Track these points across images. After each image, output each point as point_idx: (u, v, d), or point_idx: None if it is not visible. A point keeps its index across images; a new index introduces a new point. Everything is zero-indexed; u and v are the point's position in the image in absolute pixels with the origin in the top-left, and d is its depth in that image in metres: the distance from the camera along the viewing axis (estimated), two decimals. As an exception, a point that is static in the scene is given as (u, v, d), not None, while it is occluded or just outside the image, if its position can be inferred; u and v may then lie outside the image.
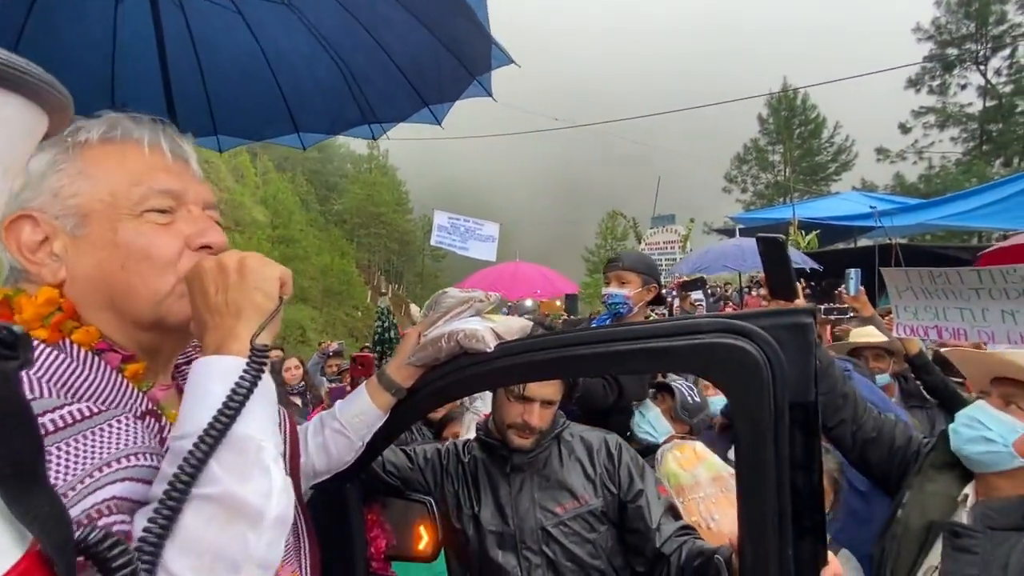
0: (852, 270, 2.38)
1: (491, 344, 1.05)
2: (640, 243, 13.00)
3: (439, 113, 2.37)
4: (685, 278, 8.99)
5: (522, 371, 1.06)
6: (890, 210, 10.70)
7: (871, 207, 10.23)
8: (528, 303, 8.07)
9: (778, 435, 0.82)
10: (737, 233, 10.59)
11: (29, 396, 0.56)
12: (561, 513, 1.35)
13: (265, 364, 0.65)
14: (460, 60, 2.09)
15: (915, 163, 25.08)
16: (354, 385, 1.37)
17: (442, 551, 1.48)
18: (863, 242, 12.57)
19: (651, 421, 2.00)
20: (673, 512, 1.37)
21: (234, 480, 0.58)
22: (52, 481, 0.50)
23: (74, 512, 0.52)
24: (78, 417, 0.58)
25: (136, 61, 2.10)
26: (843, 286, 2.41)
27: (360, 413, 1.11)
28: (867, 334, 2.84)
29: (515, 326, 1.17)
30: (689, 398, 2.02)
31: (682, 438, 1.91)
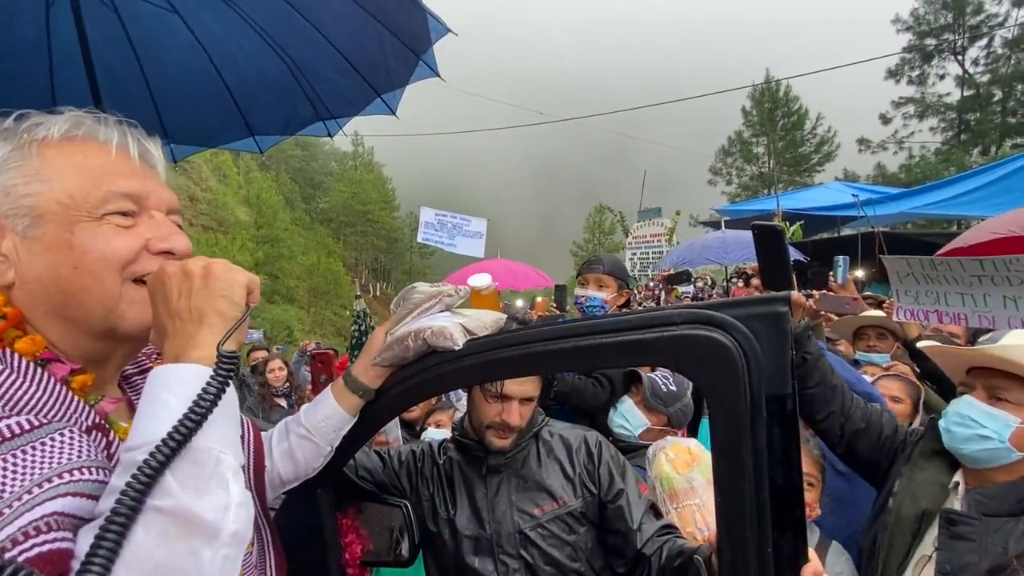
0: (841, 257, 2.37)
1: (460, 341, 1.01)
2: (627, 236, 13.02)
3: (392, 102, 2.32)
4: (671, 271, 9.01)
5: (493, 368, 1.02)
6: (872, 199, 10.82)
7: (854, 196, 10.33)
8: (519, 303, 8.03)
9: (755, 429, 0.79)
10: (723, 225, 10.64)
11: None
12: (539, 515, 1.30)
13: (233, 372, 0.61)
14: (401, 39, 2.04)
15: (896, 153, 25.43)
16: (315, 382, 1.32)
17: (419, 556, 1.44)
18: (846, 231, 12.71)
19: (624, 414, 1.91)
20: (654, 511, 1.33)
21: (189, 494, 0.54)
22: None
23: (9, 530, 0.48)
24: (16, 431, 0.55)
25: (75, 69, 2.01)
26: (831, 273, 2.40)
27: (326, 417, 1.07)
28: (874, 313, 2.86)
29: (487, 320, 1.13)
30: (663, 386, 1.92)
31: (662, 430, 1.85)
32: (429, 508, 1.39)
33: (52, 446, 0.56)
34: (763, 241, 1.44)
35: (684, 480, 1.54)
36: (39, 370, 0.64)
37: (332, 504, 1.29)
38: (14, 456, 0.53)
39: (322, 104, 2.33)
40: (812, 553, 0.85)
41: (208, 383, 0.59)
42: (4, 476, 0.52)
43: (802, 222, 12.27)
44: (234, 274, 0.67)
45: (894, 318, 2.20)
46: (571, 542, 1.30)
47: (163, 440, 0.54)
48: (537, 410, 1.48)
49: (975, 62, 23.73)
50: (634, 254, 12.93)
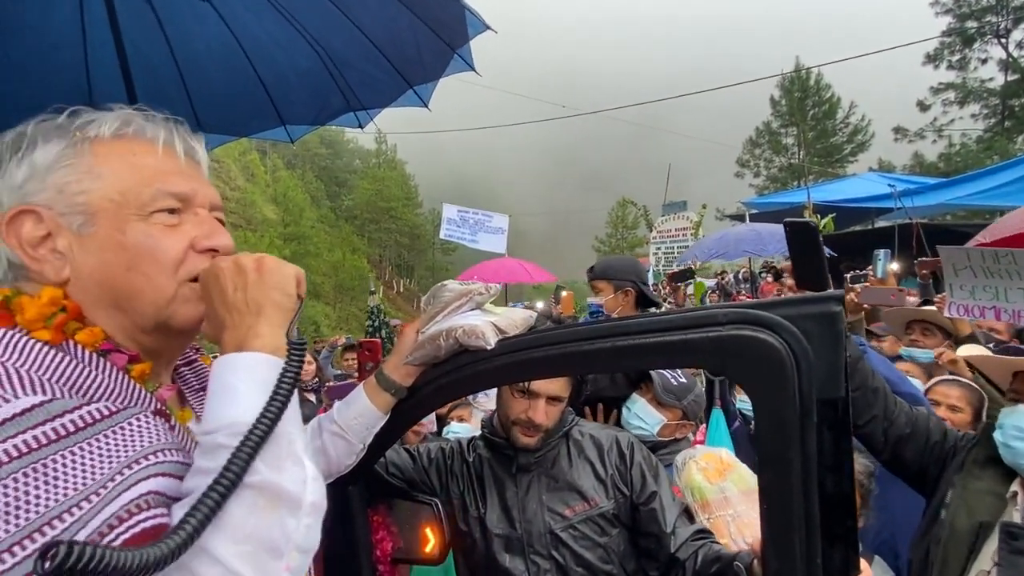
0: (881, 251, 2.27)
1: (492, 341, 1.00)
2: (651, 231, 12.81)
3: (424, 94, 2.29)
4: (675, 270, 8.79)
5: (526, 368, 1.00)
6: (910, 190, 10.39)
7: (890, 186, 9.95)
8: (539, 305, 7.98)
9: (804, 435, 0.75)
10: (747, 218, 10.35)
11: (42, 398, 0.55)
12: (570, 516, 1.28)
13: (303, 358, 0.65)
14: (437, 33, 2.01)
15: (935, 141, 24.35)
16: (361, 370, 1.33)
17: (450, 553, 1.43)
18: (881, 224, 12.25)
19: (639, 413, 1.87)
20: (688, 515, 1.30)
21: (273, 471, 0.59)
22: (80, 484, 0.52)
23: (105, 513, 0.52)
24: (98, 417, 0.57)
25: (110, 59, 2.03)
26: (870, 267, 2.30)
27: (359, 415, 1.07)
28: (926, 308, 2.73)
29: (517, 319, 1.11)
30: (672, 379, 1.88)
31: (679, 424, 1.80)
32: (459, 506, 1.38)
33: (131, 430, 0.59)
34: (796, 238, 1.37)
35: (717, 490, 1.50)
36: (102, 359, 0.66)
37: (364, 501, 1.30)
38: (98, 441, 0.56)
39: (353, 95, 2.32)
40: (865, 565, 0.81)
41: (284, 370, 0.62)
42: (92, 460, 0.54)
43: (834, 215, 11.86)
44: (285, 267, 0.70)
45: (946, 313, 2.08)
46: (603, 544, 1.28)
47: (255, 425, 0.58)
48: (567, 410, 1.46)
49: (1020, 45, 22.54)
50: (658, 249, 12.74)
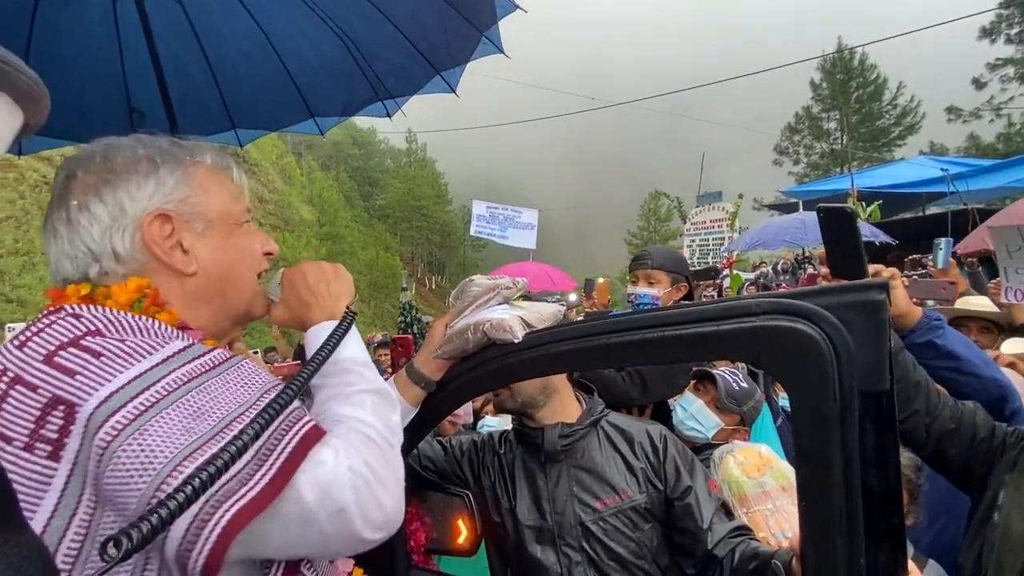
0: (942, 240, 2.13)
1: (519, 334, 0.99)
2: (685, 223, 12.52)
3: (452, 79, 2.24)
4: (697, 267, 8.53)
5: (554, 361, 0.99)
6: (964, 173, 9.78)
7: (943, 170, 9.39)
8: (572, 296, 7.92)
9: (845, 429, 0.72)
10: (801, 207, 9.94)
11: (185, 343, 0.70)
12: (601, 509, 1.27)
13: (355, 314, 0.92)
14: (464, 15, 1.96)
15: (992, 121, 22.83)
16: (395, 366, 1.37)
17: (483, 545, 1.44)
18: (933, 210, 11.59)
19: (695, 415, 1.80)
20: (725, 510, 1.26)
21: (378, 381, 0.83)
22: (240, 399, 0.67)
23: (272, 427, 0.65)
24: (226, 356, 0.72)
25: (144, 60, 2.08)
26: (930, 257, 2.17)
27: None
28: (978, 304, 2.54)
29: (545, 312, 1.10)
30: (734, 384, 1.81)
31: (735, 430, 1.75)
32: (491, 498, 1.39)
33: (250, 367, 0.73)
34: (830, 224, 1.29)
35: (755, 484, 1.47)
36: (183, 333, 0.77)
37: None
38: (236, 371, 0.70)
39: (381, 84, 2.31)
40: (913, 566, 0.77)
41: (343, 317, 0.89)
42: (239, 383, 0.69)
43: (880, 202, 11.30)
44: (347, 272, 0.97)
45: (1002, 299, 1.93)
46: (635, 538, 1.26)
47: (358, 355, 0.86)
48: (597, 400, 1.44)
49: (1090, 13, 20.86)
50: (692, 241, 12.45)
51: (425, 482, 1.45)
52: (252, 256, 0.89)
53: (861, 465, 0.73)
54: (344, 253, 28.59)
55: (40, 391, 0.61)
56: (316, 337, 0.85)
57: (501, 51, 2.08)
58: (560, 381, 1.39)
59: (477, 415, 2.91)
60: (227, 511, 0.57)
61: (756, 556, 1.10)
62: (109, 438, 0.58)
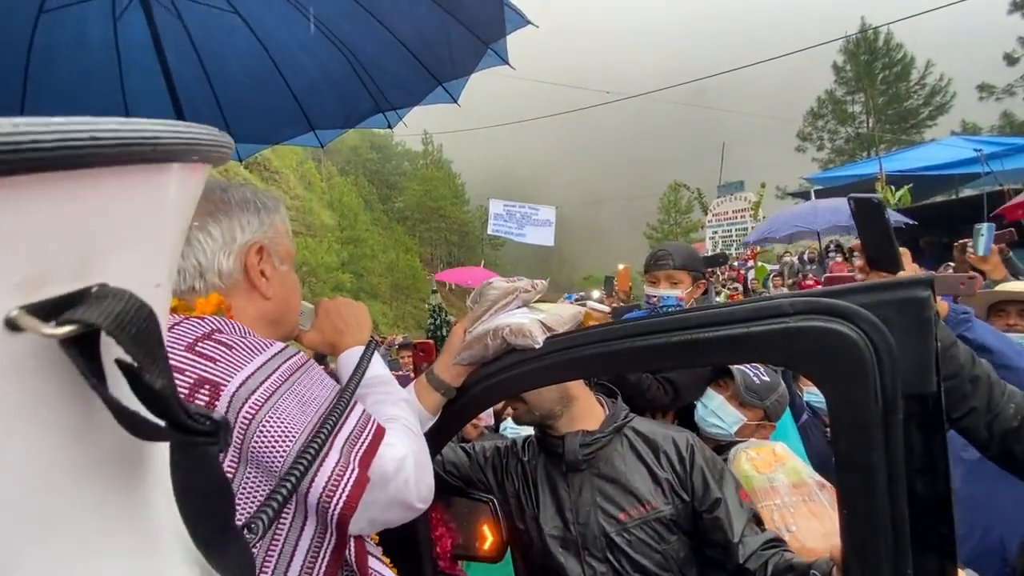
0: (984, 225, 2.00)
1: (539, 339, 0.97)
2: (707, 214, 12.30)
3: (454, 90, 2.23)
4: (709, 253, 8.33)
5: (575, 366, 0.97)
6: (999, 153, 9.36)
7: (976, 151, 9.00)
8: (596, 294, 7.82)
9: (889, 435, 0.68)
10: (812, 195, 9.66)
11: (282, 346, 0.82)
12: (625, 520, 1.22)
13: (377, 341, 1.08)
14: (471, 29, 1.94)
15: (1028, 97, 21.85)
16: (417, 372, 1.38)
17: (508, 551, 1.43)
18: (967, 192, 11.13)
19: (716, 411, 1.73)
20: (757, 521, 1.21)
21: (404, 392, 1.01)
22: (321, 395, 0.81)
23: (355, 414, 0.81)
24: (306, 359, 0.84)
25: (143, 78, 2.09)
26: (971, 243, 2.05)
27: None
28: (1016, 286, 2.38)
29: (566, 315, 1.08)
30: (755, 378, 1.73)
31: (759, 425, 1.69)
32: (515, 505, 1.37)
33: (317, 370, 0.85)
34: (862, 214, 1.24)
35: (765, 479, 1.45)
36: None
37: (422, 499, 1.31)
38: (311, 373, 0.83)
39: (382, 96, 2.29)
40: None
41: (368, 343, 1.04)
42: (317, 382, 0.83)
43: (910, 185, 10.90)
44: (366, 308, 1.15)
45: None
46: (661, 550, 1.22)
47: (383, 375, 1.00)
48: (620, 405, 1.41)
49: None
50: (715, 232, 12.23)
51: (450, 488, 1.44)
52: (299, 291, 1.05)
53: (907, 471, 0.69)
54: (365, 256, 28.92)
55: (187, 373, 0.72)
56: (351, 357, 1.01)
57: (506, 62, 2.07)
58: (579, 387, 1.36)
59: (498, 417, 2.89)
60: (354, 468, 0.73)
61: (791, 568, 1.05)
62: (253, 411, 0.71)
